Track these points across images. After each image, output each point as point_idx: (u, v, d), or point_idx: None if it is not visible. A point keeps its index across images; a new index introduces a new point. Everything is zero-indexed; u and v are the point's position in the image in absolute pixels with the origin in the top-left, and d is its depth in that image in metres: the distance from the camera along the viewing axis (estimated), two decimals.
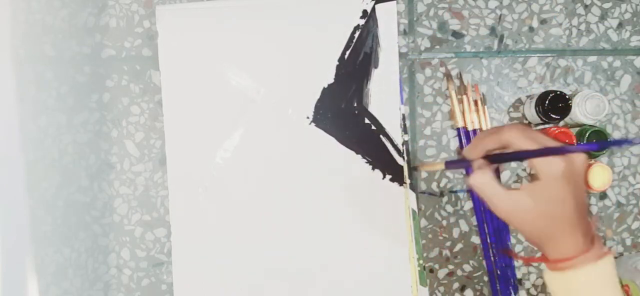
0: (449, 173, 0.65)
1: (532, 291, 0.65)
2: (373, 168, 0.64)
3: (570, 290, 0.48)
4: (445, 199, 0.65)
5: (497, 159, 0.48)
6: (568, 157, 0.46)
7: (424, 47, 0.65)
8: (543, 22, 0.66)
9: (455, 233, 0.65)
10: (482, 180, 0.47)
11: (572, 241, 0.47)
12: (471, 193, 0.65)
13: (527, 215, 0.47)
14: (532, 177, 0.47)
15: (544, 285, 0.65)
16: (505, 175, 0.65)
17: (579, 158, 0.46)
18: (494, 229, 0.64)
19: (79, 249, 0.64)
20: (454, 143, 0.65)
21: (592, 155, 0.61)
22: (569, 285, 0.48)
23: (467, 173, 0.51)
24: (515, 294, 0.64)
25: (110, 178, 0.64)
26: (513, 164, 0.65)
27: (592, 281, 0.47)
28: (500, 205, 0.47)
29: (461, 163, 0.51)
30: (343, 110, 0.64)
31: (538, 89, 0.65)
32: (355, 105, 0.64)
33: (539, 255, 0.49)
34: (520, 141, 0.46)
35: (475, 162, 0.49)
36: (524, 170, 0.65)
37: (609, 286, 0.47)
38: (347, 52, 0.64)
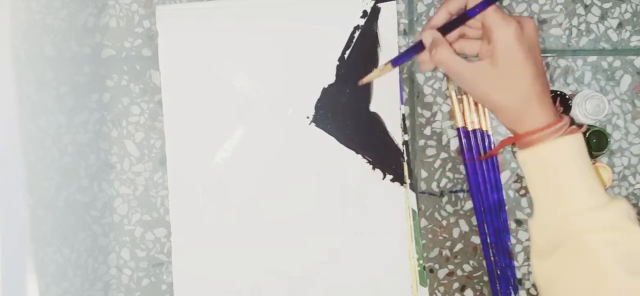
0: (449, 173, 0.65)
1: (532, 291, 0.65)
2: (373, 168, 0.64)
3: (546, 164, 0.48)
4: (445, 199, 0.65)
5: (451, 26, 0.49)
6: (518, 21, 0.46)
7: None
8: (543, 22, 0.66)
9: (455, 233, 0.65)
10: (444, 53, 0.48)
11: (539, 112, 0.47)
12: (471, 193, 0.65)
13: (492, 84, 0.47)
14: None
15: None
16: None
17: (529, 23, 0.47)
18: (494, 229, 0.64)
19: (79, 249, 0.64)
20: (454, 143, 0.65)
21: (592, 154, 0.61)
22: (544, 159, 0.47)
23: (418, 51, 0.52)
24: (515, 294, 0.64)
25: (110, 178, 0.64)
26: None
27: (566, 154, 0.47)
28: (465, 74, 0.48)
29: (415, 48, 0.52)
30: (343, 110, 0.64)
31: None
32: (355, 105, 0.64)
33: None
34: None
35: (427, 35, 0.49)
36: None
37: (579, 160, 0.47)
38: (347, 52, 0.64)
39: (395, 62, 0.57)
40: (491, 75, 0.47)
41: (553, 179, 0.47)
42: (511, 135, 0.52)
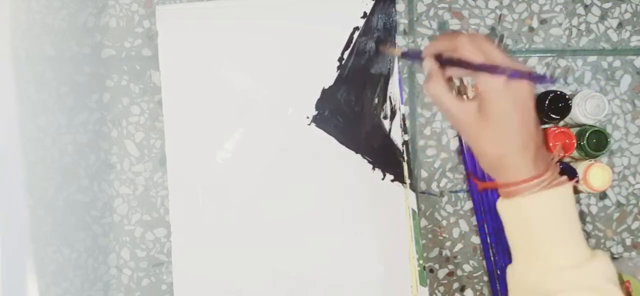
0: (449, 173, 0.65)
1: None
2: (373, 168, 0.64)
3: (521, 218, 0.46)
4: (445, 199, 0.65)
5: (445, 62, 0.49)
6: (511, 78, 0.45)
7: (424, 47, 0.65)
8: (543, 22, 0.66)
9: (455, 233, 0.65)
10: (436, 87, 0.48)
11: (520, 164, 0.45)
12: (471, 194, 0.65)
13: (477, 127, 0.46)
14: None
15: None
16: None
17: (522, 84, 0.45)
18: (494, 229, 0.64)
19: (79, 249, 0.64)
20: (454, 143, 0.65)
21: (592, 154, 0.61)
22: (519, 212, 0.46)
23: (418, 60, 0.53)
24: None
25: (110, 178, 0.64)
26: None
27: (541, 209, 0.45)
28: (453, 111, 0.47)
29: (416, 56, 0.52)
30: (343, 110, 0.64)
31: (538, 89, 0.65)
32: (355, 105, 0.64)
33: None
34: (467, 50, 0.46)
35: (427, 64, 0.49)
36: None
37: (560, 217, 0.45)
38: (347, 52, 0.64)
39: (405, 54, 0.62)
40: (476, 119, 0.46)
41: (529, 234, 0.46)
42: None
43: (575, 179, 0.52)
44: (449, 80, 0.49)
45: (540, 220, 0.45)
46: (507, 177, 0.46)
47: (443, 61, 0.48)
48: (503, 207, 0.47)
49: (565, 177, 0.46)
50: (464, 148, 0.64)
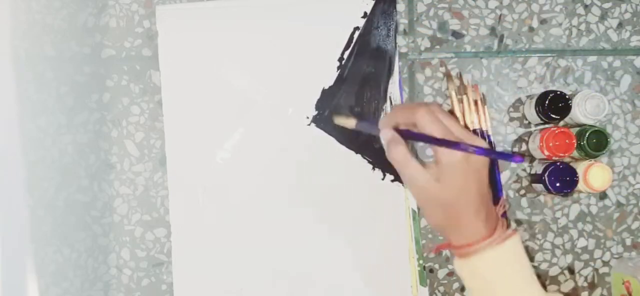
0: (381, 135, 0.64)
1: None
2: (373, 168, 0.64)
3: (476, 274, 0.50)
4: None
5: (404, 135, 0.50)
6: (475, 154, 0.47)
7: (424, 47, 0.65)
8: (543, 22, 0.66)
9: None
10: (399, 153, 0.49)
11: (474, 228, 0.49)
12: None
13: (434, 194, 0.48)
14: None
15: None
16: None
17: (479, 156, 0.48)
18: None
19: (79, 249, 0.64)
20: None
21: (592, 154, 0.61)
22: (475, 270, 0.50)
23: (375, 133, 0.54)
24: None
25: (110, 178, 0.64)
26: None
27: (495, 264, 0.49)
28: (415, 177, 0.49)
29: (373, 128, 0.53)
30: (343, 110, 0.64)
31: (538, 89, 0.65)
32: (355, 105, 0.64)
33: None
34: (426, 123, 0.48)
35: (385, 133, 0.50)
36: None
37: (513, 267, 0.49)
38: (347, 52, 0.64)
39: (360, 124, 0.58)
40: (434, 187, 0.48)
41: (489, 289, 0.49)
42: None
43: (514, 229, 0.56)
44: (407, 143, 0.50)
45: (496, 274, 0.49)
46: (460, 239, 0.50)
47: (402, 134, 0.50)
48: (460, 266, 0.51)
49: (512, 229, 0.50)
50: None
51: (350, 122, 0.59)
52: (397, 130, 0.50)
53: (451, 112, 0.65)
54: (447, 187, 0.48)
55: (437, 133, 0.47)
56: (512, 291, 0.49)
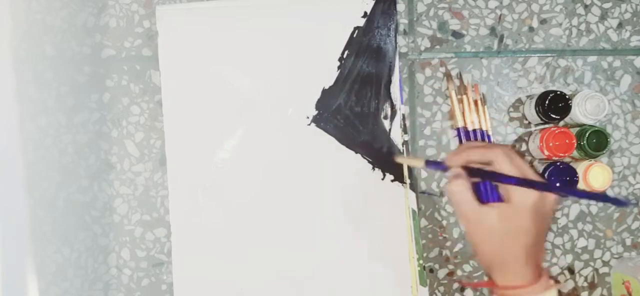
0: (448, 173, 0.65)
1: None
2: (373, 168, 0.64)
3: None
4: (445, 199, 0.65)
5: (476, 173, 0.49)
6: (542, 193, 0.47)
7: (424, 47, 0.65)
8: (543, 22, 0.66)
9: (455, 233, 0.65)
10: (458, 188, 0.49)
11: (522, 271, 0.49)
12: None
13: (490, 233, 0.48)
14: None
15: None
16: None
17: (552, 196, 0.48)
18: None
19: (79, 249, 0.64)
20: (454, 144, 0.65)
21: (592, 154, 0.61)
22: None
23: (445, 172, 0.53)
24: None
25: (110, 178, 0.64)
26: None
27: None
28: (468, 214, 0.49)
29: (441, 166, 0.52)
30: (343, 110, 0.64)
31: (538, 89, 0.65)
32: (355, 105, 0.64)
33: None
34: (503, 164, 0.47)
35: (453, 170, 0.50)
36: None
37: None
38: (347, 52, 0.64)
39: (428, 164, 0.57)
40: (491, 227, 0.48)
41: None
42: None
43: (557, 280, 0.57)
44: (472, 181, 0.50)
45: None
46: (504, 279, 0.49)
47: (473, 172, 0.49)
48: None
49: (553, 281, 0.50)
50: (461, 133, 0.64)
51: (418, 162, 0.58)
52: (467, 168, 0.50)
53: (451, 112, 0.65)
54: (509, 226, 0.47)
55: (515, 174, 0.47)
56: None
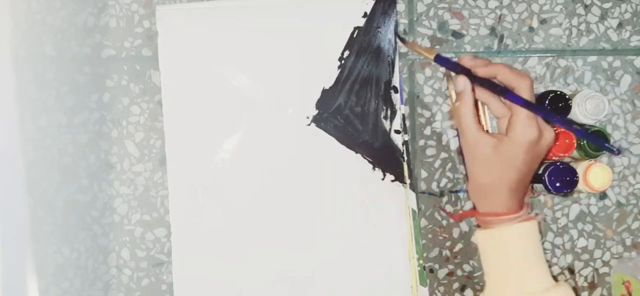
0: (449, 173, 0.65)
1: None
2: (373, 168, 0.64)
3: (496, 245, 0.53)
4: (445, 199, 0.65)
5: (485, 84, 0.51)
6: (542, 129, 0.50)
7: (424, 46, 0.65)
8: (543, 22, 0.66)
9: (455, 233, 0.65)
10: (464, 109, 0.51)
11: (506, 201, 0.51)
12: None
13: (483, 161, 0.51)
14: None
15: None
16: None
17: (551, 135, 0.51)
18: None
19: (79, 249, 0.64)
20: (454, 144, 0.65)
21: (592, 154, 0.61)
22: (496, 240, 0.53)
23: (453, 71, 0.55)
24: None
25: (110, 178, 0.64)
26: None
27: (516, 239, 0.52)
28: (468, 138, 0.52)
29: (452, 64, 0.54)
30: (343, 110, 0.64)
31: (538, 89, 0.65)
32: (355, 105, 0.64)
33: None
34: (524, 94, 0.50)
35: (460, 82, 0.52)
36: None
37: (531, 246, 0.52)
38: (347, 52, 0.64)
39: (438, 58, 0.57)
40: (490, 155, 0.51)
41: (504, 262, 0.52)
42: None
43: (537, 213, 0.61)
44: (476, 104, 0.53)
45: (515, 248, 0.52)
46: (490, 207, 0.52)
47: (483, 83, 0.51)
48: (481, 236, 0.54)
49: (534, 213, 0.54)
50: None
51: (429, 53, 0.57)
52: (476, 77, 0.52)
53: (451, 112, 0.65)
54: (503, 158, 0.50)
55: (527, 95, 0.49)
56: (525, 267, 0.52)
